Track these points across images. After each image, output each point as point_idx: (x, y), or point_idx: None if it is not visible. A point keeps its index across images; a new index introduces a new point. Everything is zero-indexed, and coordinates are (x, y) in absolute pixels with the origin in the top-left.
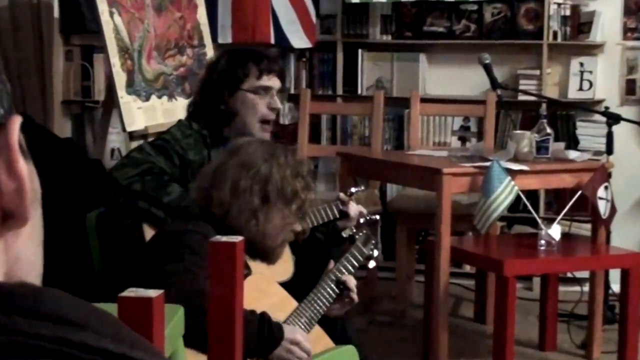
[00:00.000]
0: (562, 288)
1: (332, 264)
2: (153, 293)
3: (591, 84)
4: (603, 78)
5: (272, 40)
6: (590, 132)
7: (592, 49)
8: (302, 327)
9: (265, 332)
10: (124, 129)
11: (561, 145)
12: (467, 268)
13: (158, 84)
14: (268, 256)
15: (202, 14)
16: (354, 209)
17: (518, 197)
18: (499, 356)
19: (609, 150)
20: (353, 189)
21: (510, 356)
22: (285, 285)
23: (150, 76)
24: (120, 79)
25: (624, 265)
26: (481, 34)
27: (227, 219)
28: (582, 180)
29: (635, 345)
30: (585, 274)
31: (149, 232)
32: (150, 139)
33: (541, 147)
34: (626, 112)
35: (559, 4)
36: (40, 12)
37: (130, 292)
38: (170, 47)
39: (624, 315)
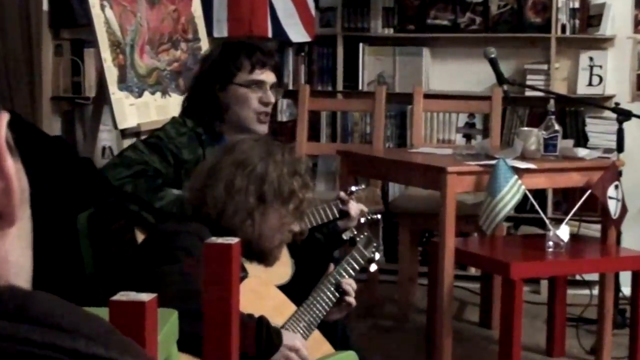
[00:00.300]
0: (570, 291)
1: (332, 266)
2: (146, 297)
3: (601, 79)
4: (613, 73)
5: (270, 34)
6: (600, 129)
7: (602, 43)
8: (301, 331)
9: (263, 337)
10: (115, 127)
11: (570, 142)
12: (472, 270)
13: (151, 80)
14: (265, 258)
15: (196, 7)
16: (354, 208)
17: (525, 197)
18: None
19: (620, 147)
20: (353, 188)
21: None
22: (283, 288)
23: (143, 71)
24: (111, 74)
25: (635, 268)
26: (487, 27)
27: (222, 219)
28: (591, 179)
29: None
30: (594, 276)
31: (140, 236)
32: (143, 137)
33: (549, 145)
34: (637, 108)
35: None
36: (29, 5)
37: (122, 296)
38: (163, 42)
39: (635, 319)
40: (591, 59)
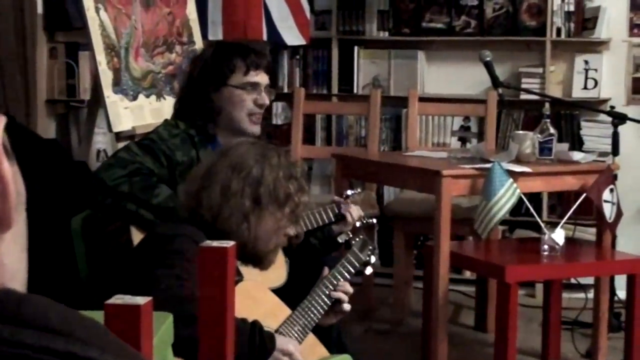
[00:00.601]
0: (565, 295)
1: (326, 270)
2: (141, 300)
3: (596, 83)
4: (608, 76)
5: (265, 37)
6: (595, 133)
7: (597, 46)
8: (296, 335)
9: (256, 341)
10: (110, 130)
11: (565, 146)
12: (467, 274)
13: (146, 83)
14: (260, 261)
15: (191, 10)
16: (350, 211)
17: (520, 200)
18: None
19: (615, 151)
20: (349, 192)
21: None
22: (278, 291)
23: (138, 74)
24: (106, 77)
25: (630, 271)
26: (482, 30)
27: (217, 222)
28: (586, 183)
29: None
30: (590, 280)
31: (137, 236)
32: (136, 140)
33: (544, 148)
34: (632, 111)
35: None
36: (23, 7)
37: (118, 299)
38: (158, 44)
39: (630, 323)
40: (586, 62)
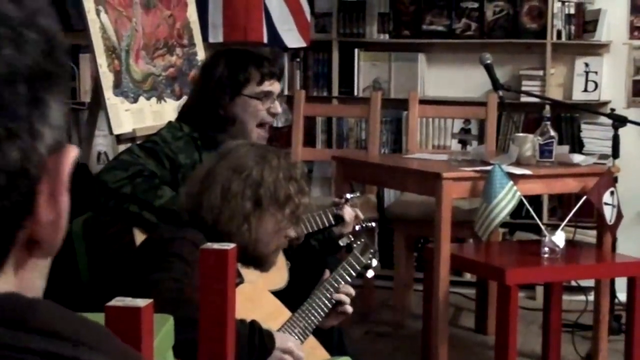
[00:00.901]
0: (566, 297)
1: (327, 273)
2: (142, 302)
3: (596, 85)
4: (609, 79)
5: (265, 40)
6: (595, 135)
7: (598, 49)
8: (296, 337)
9: (256, 341)
10: (111, 132)
11: (565, 148)
12: (468, 276)
13: (146, 85)
14: (261, 263)
15: (192, 12)
16: (349, 213)
17: (520, 203)
18: None
19: (615, 153)
20: (348, 195)
21: None
22: (279, 293)
23: (139, 77)
24: (107, 79)
25: (631, 274)
26: (482, 32)
27: (217, 224)
28: (587, 185)
29: None
30: (590, 282)
31: (139, 237)
32: (138, 142)
33: (544, 151)
34: (633, 114)
35: (563, 2)
36: None
37: (118, 302)
38: (159, 47)
39: (631, 326)
40: (587, 64)
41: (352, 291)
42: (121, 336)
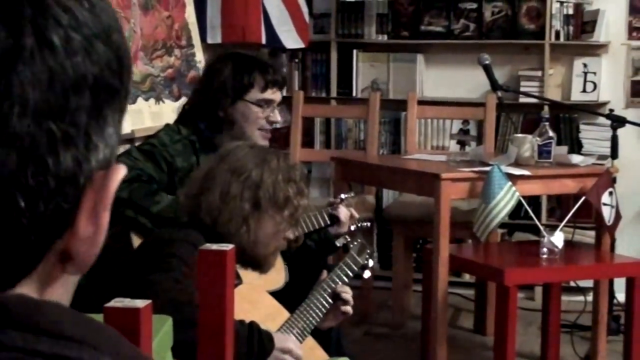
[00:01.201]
0: (565, 298)
1: (325, 273)
2: (140, 303)
3: (595, 86)
4: (607, 79)
5: (264, 40)
6: (594, 136)
7: (596, 49)
8: (295, 338)
9: (255, 342)
10: None
11: (564, 149)
12: (467, 277)
13: (145, 86)
14: (260, 265)
15: (190, 13)
16: (344, 213)
17: (519, 203)
18: None
19: (614, 154)
20: (343, 195)
21: None
22: (277, 294)
23: (137, 78)
24: None
25: (629, 274)
26: (481, 33)
27: (217, 225)
28: (585, 186)
29: None
30: (589, 283)
31: (136, 241)
32: (137, 144)
33: (543, 151)
34: (631, 114)
35: (561, 2)
36: None
37: (117, 303)
38: (157, 48)
39: (629, 326)
40: (585, 65)
41: (350, 293)
42: None
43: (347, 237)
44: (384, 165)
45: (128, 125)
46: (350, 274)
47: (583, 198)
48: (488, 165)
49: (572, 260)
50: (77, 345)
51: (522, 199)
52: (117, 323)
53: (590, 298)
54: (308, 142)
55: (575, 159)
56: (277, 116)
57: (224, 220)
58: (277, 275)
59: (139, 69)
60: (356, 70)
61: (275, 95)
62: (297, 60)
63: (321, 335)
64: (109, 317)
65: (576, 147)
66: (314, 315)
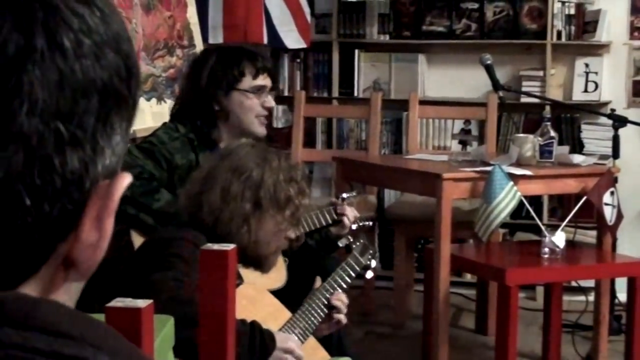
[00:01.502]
0: (566, 298)
1: (319, 280)
2: (142, 303)
3: (597, 86)
4: (609, 79)
5: (265, 41)
6: (595, 136)
7: (598, 49)
8: (296, 338)
9: (256, 342)
10: None
11: (565, 149)
12: (468, 277)
13: (146, 86)
14: (261, 264)
15: (192, 14)
16: (347, 213)
17: (521, 203)
18: None
19: (615, 154)
20: (345, 195)
21: None
22: (278, 293)
23: None
24: None
25: (631, 274)
26: (482, 33)
27: (218, 225)
28: (587, 186)
29: None
30: (590, 282)
31: (137, 239)
32: (135, 143)
33: (545, 151)
34: (633, 114)
35: (563, 2)
36: None
37: (118, 302)
38: (159, 48)
39: (631, 326)
40: (587, 65)
41: (345, 300)
42: None
43: (349, 237)
44: (385, 165)
45: None
46: (353, 274)
47: (584, 198)
48: (489, 165)
49: (574, 260)
50: (75, 342)
51: (523, 198)
52: (118, 323)
53: (591, 298)
54: (310, 142)
55: (577, 158)
56: (271, 101)
57: (225, 220)
58: (278, 274)
59: (140, 69)
60: (358, 70)
61: (266, 81)
62: (298, 60)
63: (323, 335)
64: (110, 317)
65: (578, 147)
66: (315, 315)
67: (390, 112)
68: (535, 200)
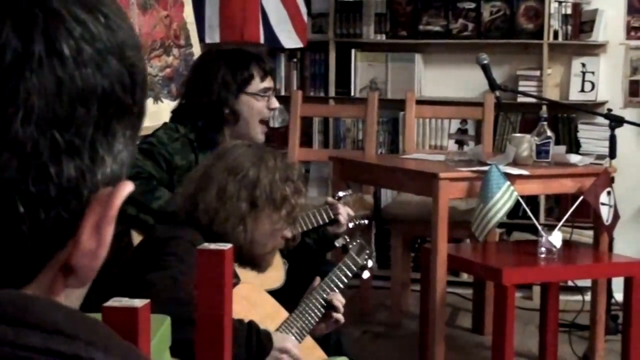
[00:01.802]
0: (563, 297)
1: (317, 280)
2: (139, 303)
3: (593, 85)
4: (606, 79)
5: (262, 40)
6: (592, 135)
7: (595, 49)
8: (294, 338)
9: (253, 342)
10: None
11: (562, 149)
12: (465, 277)
13: None
14: (257, 264)
15: (188, 13)
16: (343, 212)
17: (517, 203)
18: None
19: (612, 154)
20: (341, 193)
21: None
22: (275, 292)
23: None
24: None
25: (627, 274)
26: (479, 33)
27: (213, 225)
28: (583, 185)
29: (639, 357)
30: (587, 282)
31: (137, 239)
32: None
33: (541, 151)
34: (629, 114)
35: (560, 2)
36: None
37: (115, 302)
38: (155, 47)
39: (627, 326)
40: (583, 65)
41: (343, 300)
42: None
43: (346, 237)
44: (382, 164)
45: None
46: (350, 274)
47: (581, 198)
48: (486, 164)
49: (570, 259)
50: (69, 340)
51: (520, 198)
52: (115, 322)
53: (588, 297)
54: (306, 141)
55: (574, 158)
56: (275, 102)
57: (221, 220)
58: (276, 274)
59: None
60: (354, 70)
61: (270, 82)
62: (295, 60)
63: (321, 334)
64: (107, 317)
65: (574, 146)
66: (313, 315)
67: (387, 111)
68: (532, 200)
